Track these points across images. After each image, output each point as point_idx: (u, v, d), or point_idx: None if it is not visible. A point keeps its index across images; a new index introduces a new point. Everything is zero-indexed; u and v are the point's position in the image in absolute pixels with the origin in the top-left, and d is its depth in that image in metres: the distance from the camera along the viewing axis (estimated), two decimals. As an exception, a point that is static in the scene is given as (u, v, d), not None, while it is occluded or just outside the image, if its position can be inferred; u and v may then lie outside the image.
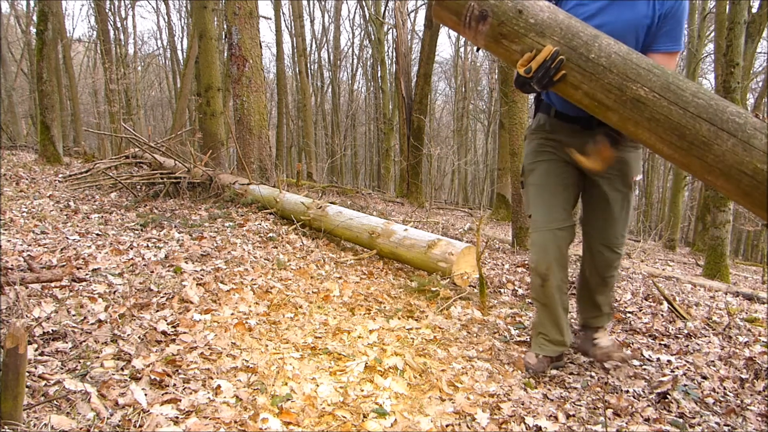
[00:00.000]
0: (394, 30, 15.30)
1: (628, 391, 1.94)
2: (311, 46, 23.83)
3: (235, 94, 6.33)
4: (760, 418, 1.75)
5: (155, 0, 29.73)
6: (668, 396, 1.88)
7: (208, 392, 1.71)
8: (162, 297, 2.49)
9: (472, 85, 23.75)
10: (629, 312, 3.01)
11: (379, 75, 19.28)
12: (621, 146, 1.89)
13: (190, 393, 1.69)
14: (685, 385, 1.97)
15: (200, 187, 5.79)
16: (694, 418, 1.76)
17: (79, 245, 3.42)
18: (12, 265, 2.62)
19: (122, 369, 1.78)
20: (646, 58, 1.49)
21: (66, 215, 4.72)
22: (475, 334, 2.51)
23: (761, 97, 14.43)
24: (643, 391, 1.95)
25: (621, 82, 1.45)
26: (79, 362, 1.79)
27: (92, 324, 2.08)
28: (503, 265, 4.49)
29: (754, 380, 2.06)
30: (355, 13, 28.02)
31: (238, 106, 6.28)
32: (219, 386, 1.73)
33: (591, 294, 2.20)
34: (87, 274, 2.70)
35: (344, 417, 1.67)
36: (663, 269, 6.30)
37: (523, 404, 1.81)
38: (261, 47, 6.43)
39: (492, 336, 2.50)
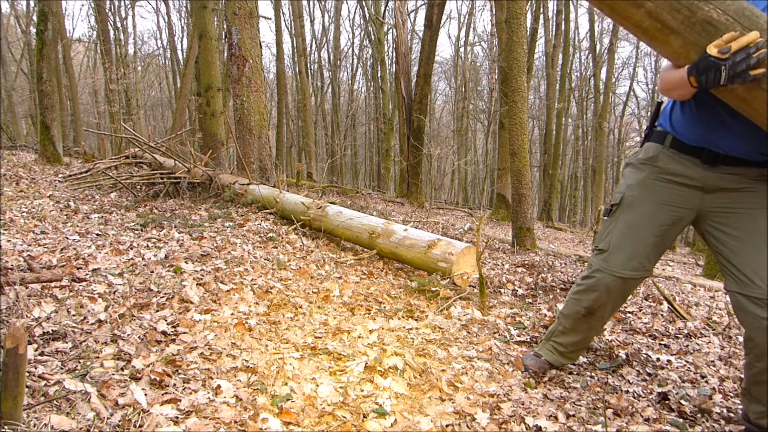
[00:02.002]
0: (394, 30, 15.31)
1: (628, 392, 1.94)
2: (311, 46, 23.84)
3: (235, 94, 6.33)
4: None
5: (155, 0, 29.73)
6: (668, 396, 1.88)
7: (208, 392, 1.71)
8: (162, 297, 2.49)
9: (472, 85, 23.75)
10: (629, 312, 3.02)
11: (379, 75, 19.28)
12: None
13: (190, 393, 1.69)
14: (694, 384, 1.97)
15: (200, 187, 5.79)
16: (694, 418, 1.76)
17: (79, 245, 3.42)
18: (12, 265, 2.62)
19: (122, 369, 1.78)
20: None
21: (66, 215, 4.71)
22: (475, 334, 2.51)
23: (761, 97, 14.42)
24: (643, 391, 1.95)
25: (692, 2, 1.31)
26: (79, 362, 1.79)
27: (92, 324, 2.08)
28: (503, 265, 4.49)
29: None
30: (355, 13, 28.02)
31: (238, 106, 6.28)
32: (219, 386, 1.73)
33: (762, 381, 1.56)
34: (87, 274, 2.70)
35: (344, 417, 1.67)
36: (663, 269, 6.30)
37: (523, 404, 1.81)
38: (261, 47, 6.43)
39: (492, 336, 2.50)
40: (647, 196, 1.70)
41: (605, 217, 1.81)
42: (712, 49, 1.31)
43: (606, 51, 19.31)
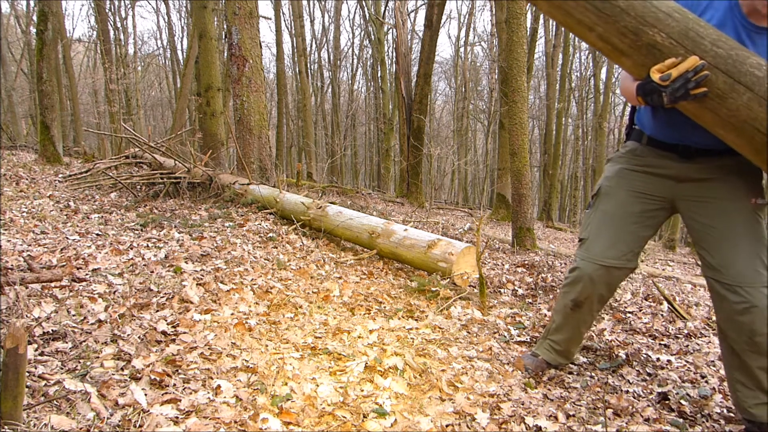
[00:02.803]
0: (394, 30, 15.31)
1: (628, 392, 1.94)
2: (311, 46, 23.83)
3: (235, 94, 6.33)
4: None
5: (155, 0, 29.73)
6: (668, 396, 1.88)
7: (208, 392, 1.71)
8: (162, 297, 2.49)
9: (472, 85, 23.75)
10: (629, 312, 3.02)
11: (379, 75, 19.28)
12: None
13: (190, 393, 1.69)
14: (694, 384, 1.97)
15: (200, 187, 5.79)
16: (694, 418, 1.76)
17: (79, 245, 3.42)
18: (12, 265, 2.62)
19: (122, 369, 1.78)
20: (668, 1, 1.39)
21: (66, 215, 4.71)
22: (475, 334, 2.51)
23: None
24: (643, 391, 1.95)
25: (637, 26, 1.37)
26: (79, 362, 1.79)
27: (92, 324, 2.08)
28: (503, 265, 4.49)
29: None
30: (355, 13, 28.03)
31: (238, 106, 6.28)
32: (219, 386, 1.73)
33: (743, 365, 1.62)
34: (87, 274, 2.70)
35: (344, 417, 1.67)
36: (663, 269, 6.30)
37: (523, 404, 1.81)
38: (261, 47, 6.43)
39: (492, 336, 2.50)
40: (623, 185, 1.77)
41: (587, 210, 1.89)
42: (654, 74, 1.38)
43: None
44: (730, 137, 1.38)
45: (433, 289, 3.14)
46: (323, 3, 23.35)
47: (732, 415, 1.78)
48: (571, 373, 2.11)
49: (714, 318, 3.04)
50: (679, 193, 1.70)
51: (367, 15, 18.96)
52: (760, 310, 1.53)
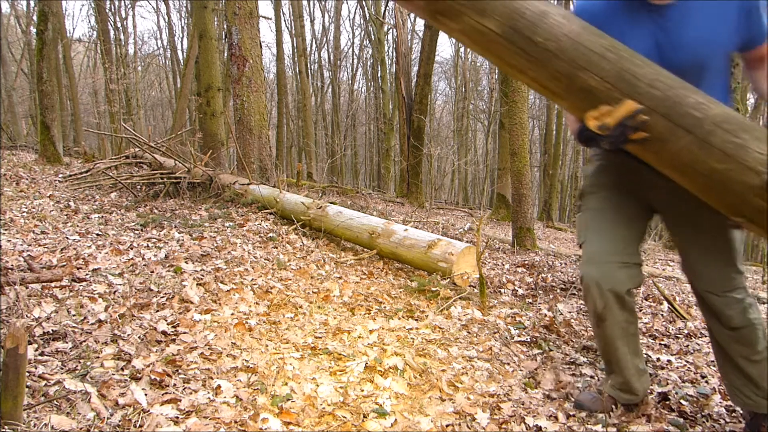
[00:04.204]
0: (394, 30, 15.30)
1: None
2: (311, 46, 23.84)
3: (235, 94, 6.33)
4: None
5: (155, 0, 29.73)
6: (668, 396, 1.88)
7: (208, 392, 1.71)
8: (162, 297, 2.49)
9: (472, 85, 23.75)
10: (629, 312, 3.01)
11: (379, 75, 19.28)
12: None
13: (190, 393, 1.69)
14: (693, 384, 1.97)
15: (200, 187, 5.79)
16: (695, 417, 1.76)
17: (79, 245, 3.42)
18: (12, 265, 2.62)
19: (122, 369, 1.78)
20: (602, 38, 1.31)
21: (66, 215, 4.72)
22: (475, 334, 2.51)
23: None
24: (643, 391, 1.94)
25: (570, 70, 1.29)
26: (79, 362, 1.79)
27: (92, 324, 2.08)
28: (503, 265, 4.50)
29: (754, 380, 2.06)
30: (355, 13, 28.04)
31: (238, 106, 6.28)
32: (219, 386, 1.73)
33: (731, 360, 1.63)
34: (87, 274, 2.70)
35: (344, 417, 1.67)
36: (663, 269, 6.31)
37: (523, 404, 1.81)
38: (261, 47, 6.43)
39: (492, 336, 2.50)
40: (604, 182, 1.71)
41: (577, 215, 1.83)
42: (591, 122, 1.32)
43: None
44: (674, 176, 1.35)
45: (434, 289, 3.14)
46: (323, 3, 23.36)
47: (732, 414, 1.78)
48: (572, 374, 2.11)
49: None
50: (653, 195, 1.64)
51: (367, 15, 18.97)
52: (738, 312, 1.54)
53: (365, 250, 4.04)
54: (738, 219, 1.31)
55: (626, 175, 1.66)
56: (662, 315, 2.99)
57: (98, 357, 1.83)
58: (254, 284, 2.90)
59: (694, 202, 1.47)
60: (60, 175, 7.26)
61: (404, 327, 2.53)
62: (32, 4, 16.32)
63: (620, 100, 1.27)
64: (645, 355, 2.30)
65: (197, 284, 2.72)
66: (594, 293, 1.63)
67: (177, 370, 1.82)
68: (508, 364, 2.17)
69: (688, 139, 1.25)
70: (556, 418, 1.72)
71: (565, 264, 4.77)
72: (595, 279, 1.62)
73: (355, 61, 25.61)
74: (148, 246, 3.53)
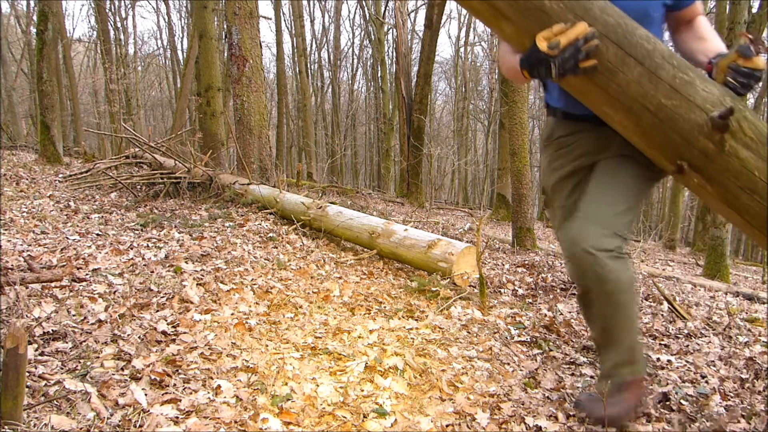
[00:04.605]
0: (394, 30, 15.30)
1: (628, 391, 1.94)
2: (311, 46, 23.84)
3: (235, 94, 6.33)
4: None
5: (155, 0, 29.73)
6: (668, 396, 1.88)
7: (208, 392, 1.71)
8: (162, 297, 2.49)
9: (472, 85, 23.75)
10: (629, 312, 3.01)
11: (379, 75, 19.28)
12: None
13: (190, 393, 1.69)
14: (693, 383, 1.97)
15: (200, 187, 5.79)
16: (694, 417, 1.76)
17: (79, 245, 3.42)
18: (12, 265, 2.62)
19: (122, 369, 1.78)
20: None
21: (66, 215, 4.72)
22: (475, 334, 2.51)
23: (761, 97, 14.44)
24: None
25: None
26: (79, 362, 1.79)
27: (92, 324, 2.08)
28: (503, 265, 4.49)
29: (754, 380, 2.06)
30: (355, 13, 28.05)
31: (238, 106, 6.28)
32: (219, 386, 1.73)
33: (594, 321, 1.65)
34: (87, 274, 2.70)
35: (344, 417, 1.67)
36: (663, 269, 6.31)
37: (523, 404, 1.81)
38: (261, 47, 6.43)
39: (492, 336, 2.50)
40: (558, 173, 1.69)
41: (548, 210, 1.82)
42: (541, 43, 1.24)
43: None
44: (617, 117, 1.28)
45: (434, 289, 3.14)
46: (323, 3, 23.36)
47: (732, 414, 1.78)
48: (572, 374, 2.11)
49: (714, 318, 3.03)
50: (598, 149, 1.62)
51: (367, 15, 18.97)
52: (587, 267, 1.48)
53: (365, 250, 4.04)
54: (680, 162, 1.24)
55: (572, 145, 1.65)
56: (662, 315, 2.99)
57: (98, 357, 1.83)
58: (254, 284, 2.90)
59: (624, 150, 1.48)
60: (60, 175, 7.26)
61: (404, 327, 2.53)
62: (32, 4, 16.33)
63: (573, 23, 1.21)
64: (645, 355, 2.30)
65: (197, 284, 2.72)
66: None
67: (177, 370, 1.82)
68: (508, 364, 2.17)
69: (638, 70, 1.19)
70: (556, 418, 1.72)
71: (565, 264, 4.77)
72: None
73: (355, 61, 25.64)
74: (148, 246, 3.53)
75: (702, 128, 1.17)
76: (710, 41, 1.44)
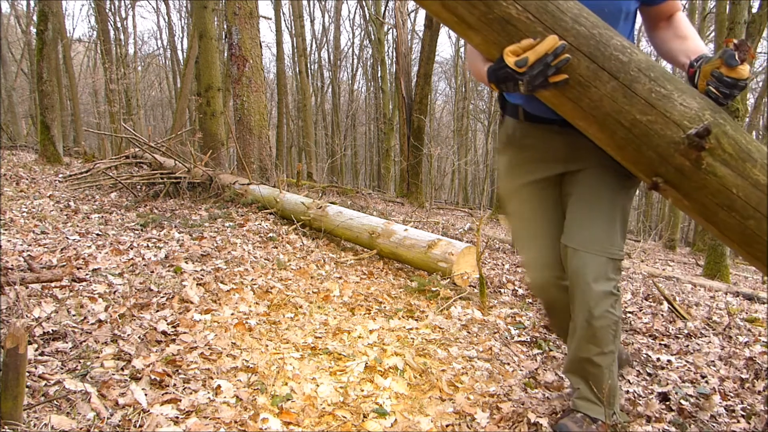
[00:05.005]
0: (394, 30, 15.30)
1: (628, 392, 1.94)
2: (311, 46, 23.83)
3: (235, 94, 6.33)
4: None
5: (155, 0, 29.72)
6: (668, 396, 1.88)
7: (208, 392, 1.71)
8: (162, 297, 2.49)
9: (473, 85, 23.73)
10: (629, 312, 3.02)
11: (379, 75, 19.28)
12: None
13: (190, 393, 1.69)
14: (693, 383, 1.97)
15: (200, 187, 5.79)
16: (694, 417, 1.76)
17: (79, 245, 3.42)
18: (12, 265, 2.62)
19: (122, 369, 1.78)
20: None
21: (66, 215, 4.72)
22: (475, 334, 2.51)
23: (761, 97, 14.45)
24: (643, 392, 1.95)
25: None
26: (79, 362, 1.79)
27: (92, 324, 2.08)
28: (503, 265, 4.49)
29: (754, 380, 2.06)
30: (355, 13, 28.04)
31: (238, 106, 6.28)
32: (219, 386, 1.73)
33: (571, 344, 1.57)
34: (87, 274, 2.70)
35: (344, 417, 1.67)
36: (663, 269, 6.31)
37: (523, 404, 1.81)
38: (261, 47, 6.43)
39: (492, 336, 2.50)
40: (520, 176, 1.59)
41: (506, 216, 1.72)
42: (509, 58, 1.17)
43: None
44: (591, 130, 1.22)
45: (434, 289, 3.14)
46: (323, 3, 23.36)
47: (732, 414, 1.79)
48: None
49: (714, 318, 3.03)
50: (568, 155, 1.52)
51: (367, 15, 18.97)
52: (605, 296, 1.43)
53: (365, 250, 4.04)
54: (656, 179, 1.19)
55: (537, 151, 1.55)
56: (662, 315, 2.99)
57: (98, 357, 1.83)
58: (254, 284, 2.90)
59: (604, 159, 1.38)
60: (60, 175, 7.26)
61: (404, 327, 2.53)
62: (32, 4, 16.33)
63: (542, 35, 1.14)
64: (645, 355, 2.30)
65: (197, 284, 2.72)
66: (539, 293, 1.59)
67: (177, 370, 1.82)
68: (508, 364, 2.17)
69: (611, 85, 1.13)
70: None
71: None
72: (535, 281, 1.59)
73: (355, 61, 25.63)
74: (148, 246, 3.53)
75: (678, 146, 1.12)
76: (691, 40, 1.36)
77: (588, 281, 1.44)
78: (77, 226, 4.21)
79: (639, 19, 1.50)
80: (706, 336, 2.65)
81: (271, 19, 16.38)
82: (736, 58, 1.12)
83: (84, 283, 2.55)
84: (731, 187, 1.11)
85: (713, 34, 13.08)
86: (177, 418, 1.55)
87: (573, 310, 1.51)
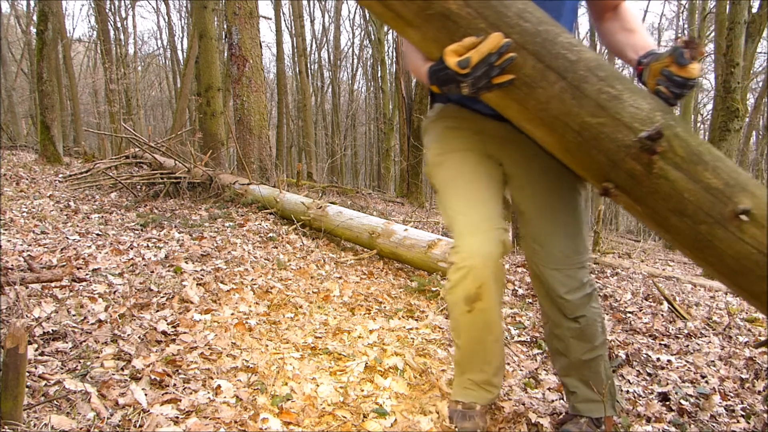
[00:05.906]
0: (394, 30, 15.30)
1: (628, 392, 1.94)
2: (311, 46, 23.85)
3: (235, 94, 6.34)
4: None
5: (155, 0, 29.73)
6: (668, 396, 1.89)
7: (208, 392, 1.71)
8: (162, 297, 2.49)
9: (472, 85, 23.74)
10: (629, 312, 3.01)
11: (379, 75, 19.29)
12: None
13: (190, 393, 1.69)
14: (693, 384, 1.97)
15: (200, 187, 5.79)
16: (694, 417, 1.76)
17: (79, 245, 3.42)
18: (12, 265, 2.62)
19: (122, 369, 1.78)
20: None
21: (66, 215, 4.72)
22: (475, 334, 2.51)
23: (761, 97, 14.45)
24: (643, 392, 1.95)
25: None
26: (79, 362, 1.79)
27: (92, 324, 2.08)
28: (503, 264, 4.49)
29: (754, 380, 2.06)
30: (355, 13, 27.99)
31: (238, 106, 6.28)
32: (219, 386, 1.73)
33: (566, 356, 1.52)
34: (87, 274, 2.70)
35: (344, 417, 1.67)
36: (663, 269, 6.30)
37: (523, 404, 1.81)
38: (261, 47, 6.44)
39: (492, 336, 2.49)
40: (450, 147, 1.46)
41: (436, 194, 1.53)
42: (450, 59, 1.09)
43: (606, 50, 19.28)
44: (539, 134, 1.16)
45: (434, 289, 3.14)
46: (323, 3, 23.36)
47: (732, 414, 1.79)
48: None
49: (714, 318, 3.04)
50: (494, 151, 1.44)
51: (367, 15, 18.97)
52: (581, 297, 1.43)
53: (365, 250, 4.04)
54: (606, 184, 1.13)
55: (472, 135, 1.44)
56: (662, 315, 2.99)
57: (98, 357, 1.83)
58: (254, 284, 2.90)
59: (547, 161, 1.32)
60: (60, 175, 7.26)
61: (404, 327, 2.53)
62: (32, 4, 16.34)
63: (486, 32, 1.06)
64: (645, 355, 2.30)
65: (197, 284, 2.72)
66: (469, 268, 1.34)
67: (177, 370, 1.82)
68: (508, 364, 2.17)
69: (559, 85, 1.06)
70: (557, 417, 1.72)
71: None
72: (472, 251, 1.34)
73: (355, 61, 25.64)
74: (148, 246, 3.53)
75: (629, 149, 1.06)
76: (638, 34, 1.30)
77: (561, 294, 1.43)
78: (77, 226, 4.21)
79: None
80: (706, 336, 2.65)
81: (271, 19, 16.40)
82: (687, 56, 1.07)
83: (84, 283, 2.55)
84: (683, 191, 1.06)
85: (713, 34, 13.09)
86: (177, 418, 1.55)
87: (552, 317, 1.50)
